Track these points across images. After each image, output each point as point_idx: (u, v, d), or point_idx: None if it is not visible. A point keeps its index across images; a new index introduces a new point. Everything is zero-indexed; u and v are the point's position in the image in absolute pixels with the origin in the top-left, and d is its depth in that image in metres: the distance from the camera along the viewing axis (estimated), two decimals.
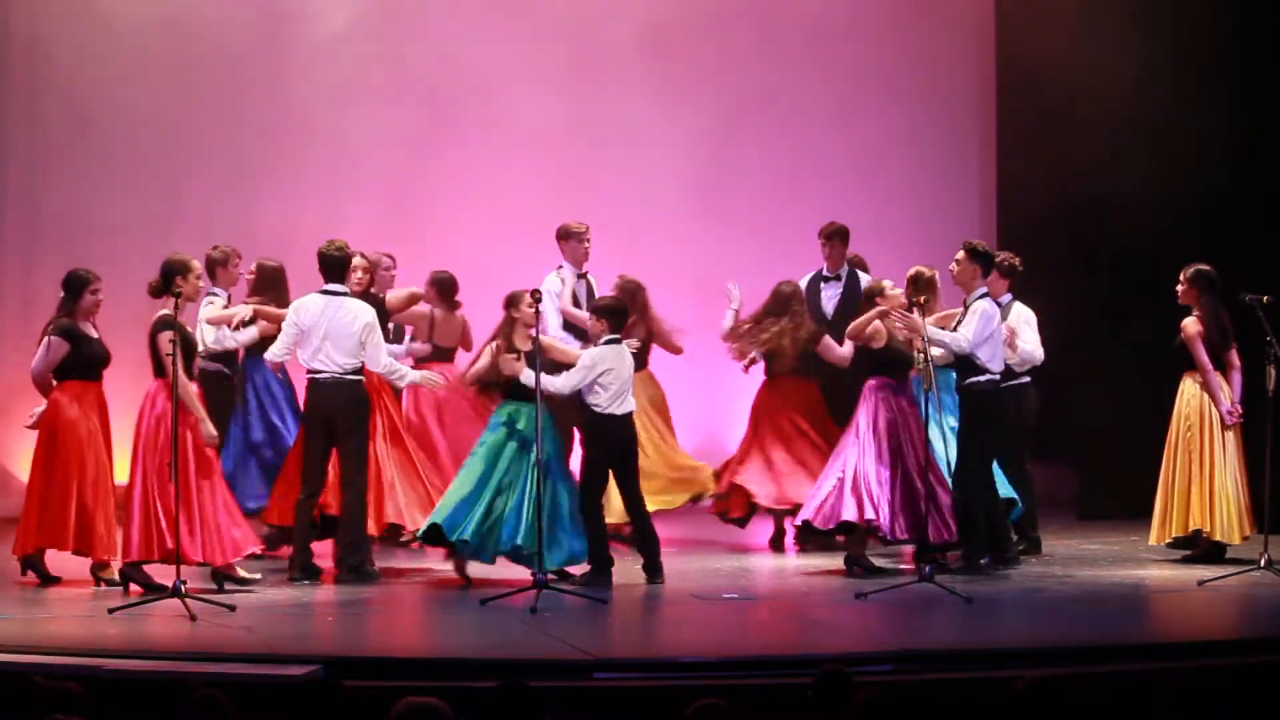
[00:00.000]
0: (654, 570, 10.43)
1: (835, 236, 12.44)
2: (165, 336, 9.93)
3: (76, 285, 10.45)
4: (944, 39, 14.81)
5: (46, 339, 10.38)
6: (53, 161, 13.97)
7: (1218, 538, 11.13)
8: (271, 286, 11.50)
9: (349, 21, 14.16)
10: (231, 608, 9.17)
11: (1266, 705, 7.17)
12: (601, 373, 10.32)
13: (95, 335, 10.45)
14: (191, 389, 10.03)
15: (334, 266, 10.56)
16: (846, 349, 11.40)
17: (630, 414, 10.41)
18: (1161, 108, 13.67)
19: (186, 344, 10.07)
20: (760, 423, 12.08)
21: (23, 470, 13.81)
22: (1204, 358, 11.15)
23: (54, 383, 10.42)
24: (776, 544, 12.05)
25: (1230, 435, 11.19)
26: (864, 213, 13.94)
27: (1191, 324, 11.20)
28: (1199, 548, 11.22)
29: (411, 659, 8.25)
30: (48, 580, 10.31)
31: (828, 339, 11.60)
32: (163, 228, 13.55)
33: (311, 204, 13.92)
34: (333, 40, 14.12)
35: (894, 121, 14.67)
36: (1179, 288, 11.27)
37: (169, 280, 10.06)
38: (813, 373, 11.97)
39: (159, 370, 10.05)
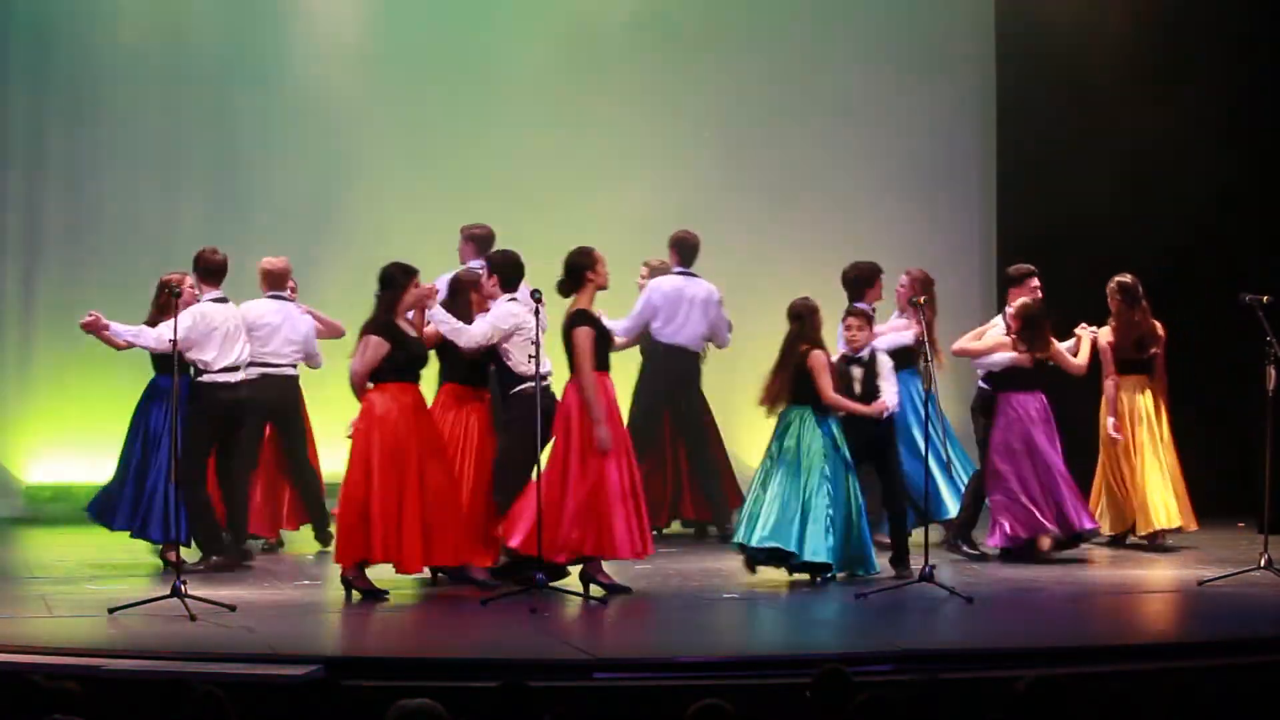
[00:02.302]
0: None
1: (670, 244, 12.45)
2: (583, 332, 9.83)
3: (398, 279, 9.95)
4: (946, 46, 14.80)
5: (365, 337, 9.84)
6: (53, 162, 13.95)
7: (1149, 528, 11.77)
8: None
9: (346, 21, 14.16)
10: (232, 608, 9.17)
11: (1266, 705, 7.17)
12: None
13: (414, 334, 9.99)
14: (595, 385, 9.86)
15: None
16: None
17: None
18: (1163, 114, 13.71)
19: (604, 337, 9.99)
20: None
21: (23, 471, 13.86)
22: (1109, 366, 11.81)
23: (370, 385, 9.89)
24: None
25: (1161, 435, 11.93)
26: (863, 222, 13.99)
27: (1104, 334, 11.84)
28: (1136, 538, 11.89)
29: (411, 659, 8.25)
30: (372, 594, 9.76)
31: None
32: (163, 228, 13.55)
33: (310, 205, 13.92)
34: (331, 39, 14.11)
35: (894, 126, 14.65)
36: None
37: (579, 276, 9.96)
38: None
39: (574, 369, 9.90)
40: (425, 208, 13.76)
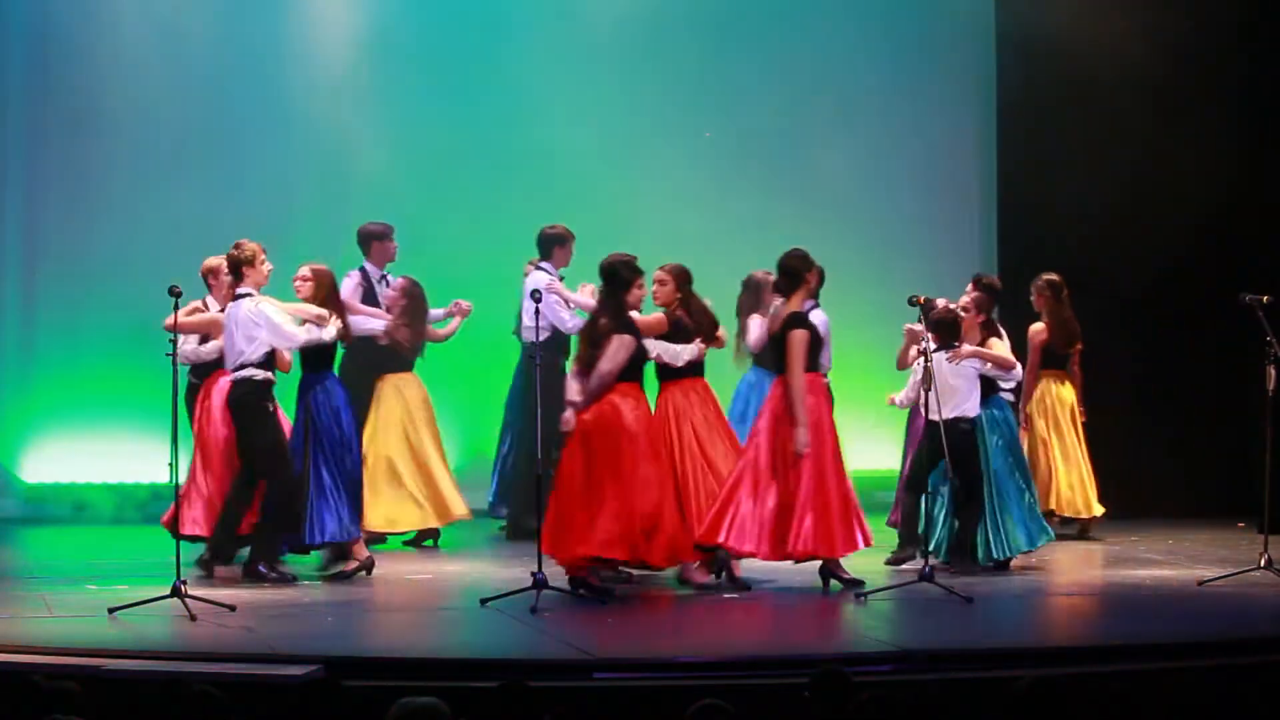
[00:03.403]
0: None
1: None
2: (800, 335, 9.92)
3: (624, 275, 9.93)
4: (947, 48, 14.80)
5: (613, 338, 9.76)
6: (53, 163, 13.94)
7: (1067, 514, 12.27)
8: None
9: (349, 23, 14.15)
10: (232, 608, 9.17)
11: (1266, 705, 7.18)
12: None
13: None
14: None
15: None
16: None
17: None
18: (1164, 115, 13.73)
19: (818, 341, 10.04)
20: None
21: (23, 470, 13.86)
22: (1035, 361, 12.21)
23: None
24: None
25: (1078, 426, 12.38)
26: (863, 223, 13.99)
27: (1038, 331, 12.23)
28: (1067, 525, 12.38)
29: (411, 659, 8.25)
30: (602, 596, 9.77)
31: None
32: (164, 229, 13.55)
33: (311, 208, 13.91)
34: (333, 42, 14.10)
35: (895, 127, 14.63)
36: (1032, 296, 12.20)
37: (798, 278, 10.08)
38: None
39: (772, 365, 10.00)
40: (427, 209, 13.75)
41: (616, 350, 9.76)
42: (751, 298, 11.54)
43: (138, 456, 13.15)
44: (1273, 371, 10.40)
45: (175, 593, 9.14)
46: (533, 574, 9.58)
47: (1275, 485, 10.49)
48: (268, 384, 10.49)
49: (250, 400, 10.48)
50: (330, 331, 10.53)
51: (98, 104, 13.90)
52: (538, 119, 14.14)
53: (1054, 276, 12.19)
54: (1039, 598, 10.18)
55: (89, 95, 13.90)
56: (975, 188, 14.79)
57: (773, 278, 11.46)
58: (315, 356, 10.64)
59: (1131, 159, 13.86)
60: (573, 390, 9.96)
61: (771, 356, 10.38)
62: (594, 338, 9.90)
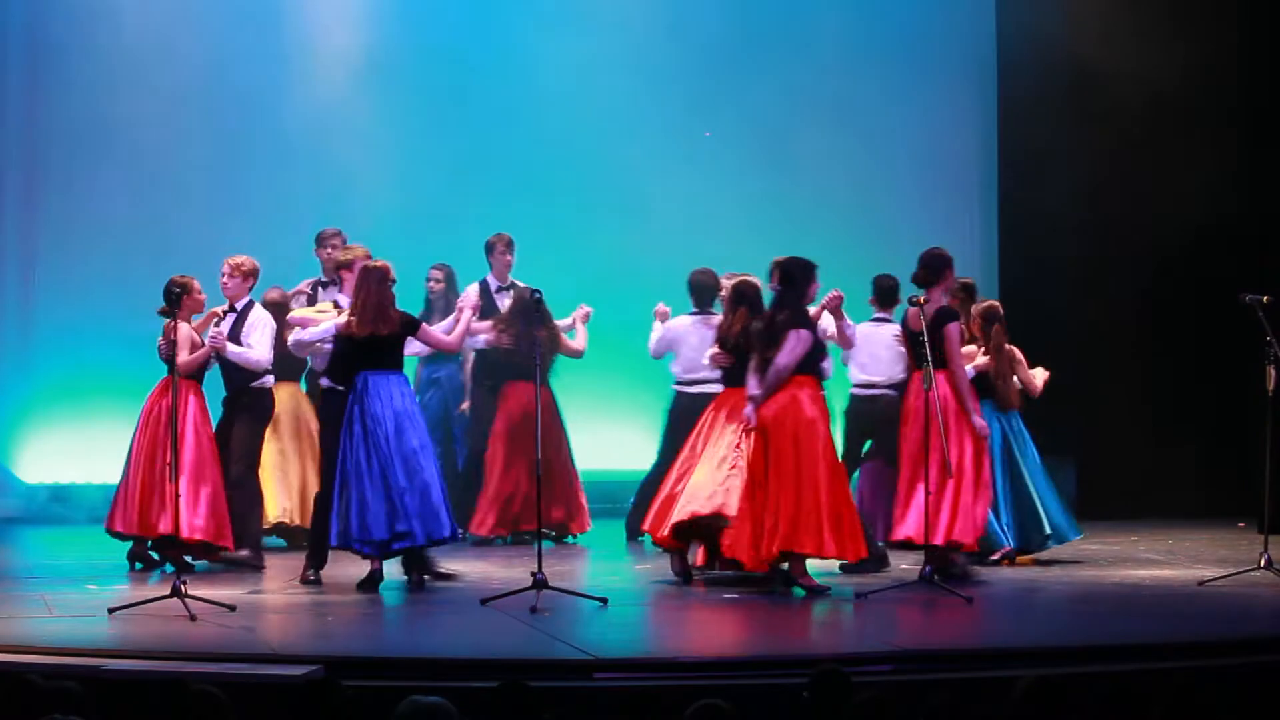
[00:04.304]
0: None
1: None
2: (957, 327, 10.15)
3: (800, 275, 10.06)
4: (948, 51, 14.82)
5: (792, 333, 9.88)
6: (52, 164, 13.96)
7: None
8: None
9: (348, 41, 14.16)
10: (232, 608, 9.17)
11: (1266, 705, 7.17)
12: None
13: None
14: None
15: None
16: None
17: None
18: (1164, 115, 13.74)
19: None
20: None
21: (22, 471, 13.86)
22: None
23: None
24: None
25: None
26: (864, 224, 14.01)
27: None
28: None
29: (412, 659, 8.24)
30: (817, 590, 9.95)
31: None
32: (164, 230, 13.55)
33: (313, 211, 13.91)
34: (335, 45, 14.12)
35: (897, 129, 14.66)
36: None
37: (941, 274, 10.28)
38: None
39: (933, 361, 10.02)
40: (425, 223, 13.76)
41: (794, 345, 9.90)
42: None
43: None
44: (1273, 371, 10.40)
45: (175, 593, 9.14)
46: (533, 574, 9.58)
47: (1275, 485, 10.50)
48: (330, 391, 10.44)
49: (320, 406, 10.67)
50: (308, 332, 10.45)
51: (97, 113, 13.92)
52: (536, 123, 14.16)
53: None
54: (1039, 598, 10.18)
55: (88, 104, 13.92)
56: (975, 188, 14.81)
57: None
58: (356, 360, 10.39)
59: (1131, 159, 13.90)
60: (751, 385, 10.05)
61: (913, 354, 10.45)
62: (771, 334, 9.98)
